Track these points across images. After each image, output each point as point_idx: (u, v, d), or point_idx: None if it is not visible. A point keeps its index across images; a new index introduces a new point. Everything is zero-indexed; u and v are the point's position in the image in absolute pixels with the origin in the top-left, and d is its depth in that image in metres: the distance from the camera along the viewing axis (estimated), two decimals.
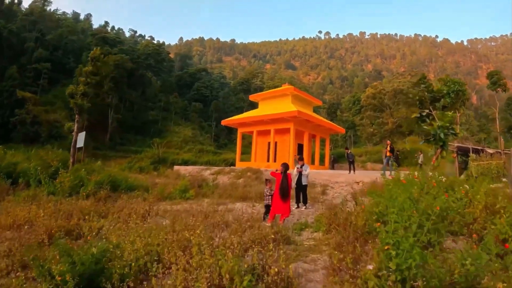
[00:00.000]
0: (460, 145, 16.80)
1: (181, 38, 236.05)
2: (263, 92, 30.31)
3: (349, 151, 17.53)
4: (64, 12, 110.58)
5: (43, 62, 56.79)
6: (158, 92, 77.38)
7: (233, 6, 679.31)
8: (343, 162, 36.56)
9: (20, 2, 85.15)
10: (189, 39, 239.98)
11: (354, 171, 16.81)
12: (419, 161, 21.56)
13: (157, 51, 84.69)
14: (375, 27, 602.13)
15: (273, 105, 25.30)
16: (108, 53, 62.50)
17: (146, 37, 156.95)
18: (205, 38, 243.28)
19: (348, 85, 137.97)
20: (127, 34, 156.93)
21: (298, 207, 9.42)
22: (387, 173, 14.41)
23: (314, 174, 15.46)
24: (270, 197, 7.58)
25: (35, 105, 47.00)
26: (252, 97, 27.75)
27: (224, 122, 27.24)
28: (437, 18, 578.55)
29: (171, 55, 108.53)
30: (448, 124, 5.23)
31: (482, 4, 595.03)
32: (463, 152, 16.36)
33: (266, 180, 8.24)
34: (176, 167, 24.74)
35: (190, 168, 22.90)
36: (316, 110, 30.03)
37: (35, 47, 60.25)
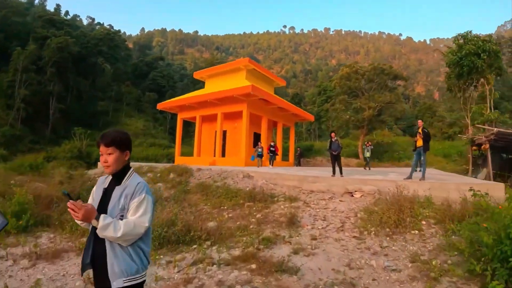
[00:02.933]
0: (501, 130, 11.69)
1: (142, 29, 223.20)
2: (211, 67, 24.06)
3: (335, 138, 10.85)
4: None
5: None
6: (111, 81, 69.46)
7: None
8: (310, 156, 31.24)
9: None
10: (151, 29, 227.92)
11: (341, 171, 10.61)
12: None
13: (110, 36, 75.65)
14: (340, 24, 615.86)
15: (223, 82, 19.29)
16: (53, 35, 54.62)
17: (105, 26, 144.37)
18: (168, 30, 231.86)
19: (312, 78, 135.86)
20: (85, 22, 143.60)
21: None
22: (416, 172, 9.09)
23: (274, 176, 9.93)
24: None
25: None
26: (197, 74, 21.62)
27: (160, 105, 20.88)
28: (401, 17, 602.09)
29: (130, 45, 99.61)
30: None
31: (446, 6, 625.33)
32: (503, 142, 11.44)
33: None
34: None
35: None
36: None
37: None
